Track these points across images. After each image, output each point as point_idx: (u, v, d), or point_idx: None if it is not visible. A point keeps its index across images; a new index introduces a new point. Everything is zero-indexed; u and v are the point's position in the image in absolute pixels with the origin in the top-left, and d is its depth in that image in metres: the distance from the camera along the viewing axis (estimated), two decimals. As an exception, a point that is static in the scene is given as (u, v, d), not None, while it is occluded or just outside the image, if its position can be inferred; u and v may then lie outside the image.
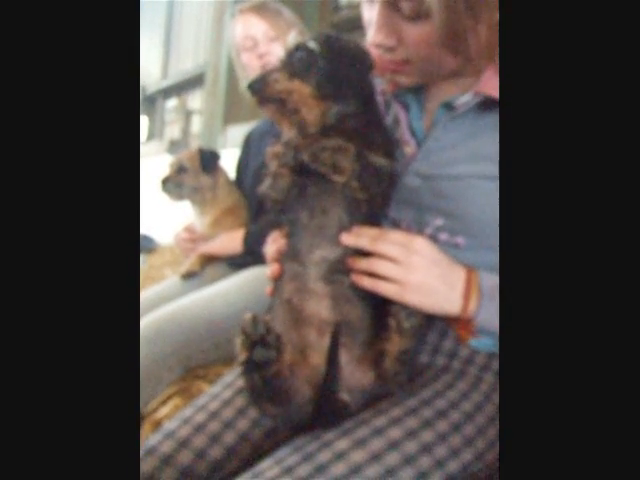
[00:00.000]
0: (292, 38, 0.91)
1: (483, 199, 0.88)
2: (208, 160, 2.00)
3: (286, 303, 0.87)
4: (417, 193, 0.94)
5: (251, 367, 0.81)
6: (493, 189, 0.87)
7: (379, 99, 1.02)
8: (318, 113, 0.87)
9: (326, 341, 0.85)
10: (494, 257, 0.78)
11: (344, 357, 0.85)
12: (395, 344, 0.85)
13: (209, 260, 1.91)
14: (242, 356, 0.80)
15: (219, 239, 1.88)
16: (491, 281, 0.85)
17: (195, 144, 4.94)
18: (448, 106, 0.93)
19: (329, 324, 0.85)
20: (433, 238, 0.92)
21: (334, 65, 0.87)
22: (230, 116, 3.95)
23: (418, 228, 0.94)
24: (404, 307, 0.85)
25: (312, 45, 0.87)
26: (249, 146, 2.05)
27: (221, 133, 4.01)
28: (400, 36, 0.89)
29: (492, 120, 0.89)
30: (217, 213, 1.97)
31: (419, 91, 1.00)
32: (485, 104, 0.90)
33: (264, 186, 0.89)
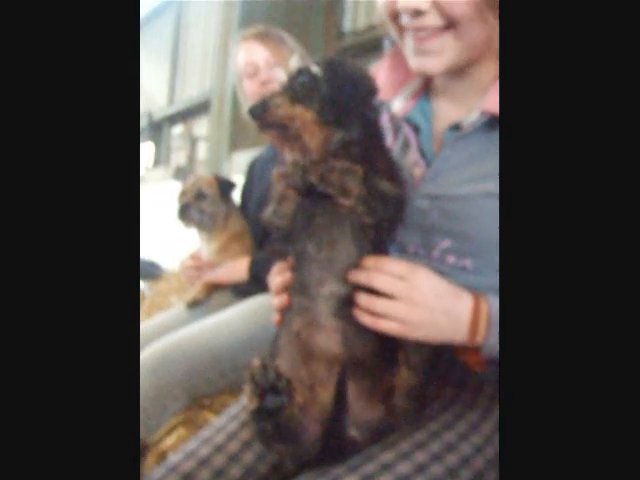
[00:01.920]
0: (294, 62, 0.90)
1: (490, 219, 0.85)
2: (226, 188, 2.00)
3: (295, 337, 0.85)
4: (425, 215, 0.92)
5: (263, 415, 0.79)
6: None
7: (387, 125, 1.01)
8: (321, 139, 0.85)
9: (335, 377, 0.83)
10: None
11: (353, 393, 0.83)
12: (404, 379, 0.83)
13: (214, 288, 1.90)
14: (252, 404, 0.78)
15: (224, 267, 1.87)
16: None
17: (201, 170, 4.96)
18: (456, 127, 0.92)
19: (339, 360, 0.83)
20: (441, 261, 0.91)
21: (337, 90, 0.85)
22: (236, 142, 3.96)
23: (425, 251, 0.93)
24: (414, 342, 0.84)
25: (314, 70, 0.86)
26: (253, 173, 2.05)
27: (227, 159, 4.02)
28: None
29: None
30: (224, 240, 1.95)
31: (428, 114, 0.99)
32: (491, 123, 0.89)
33: (267, 213, 0.88)
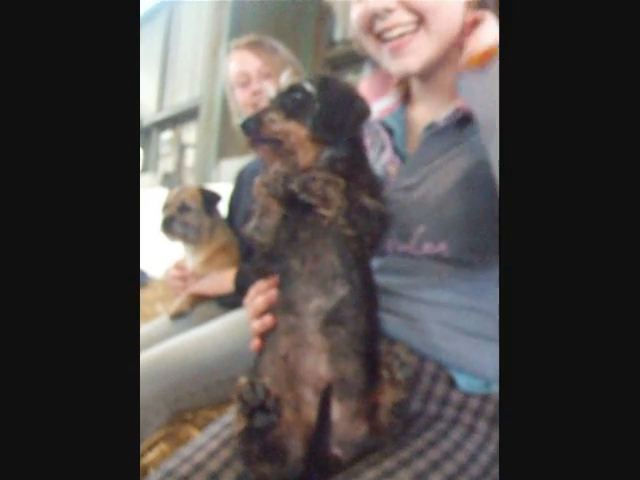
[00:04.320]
0: (286, 77, 0.90)
1: (460, 201, 0.90)
2: (211, 201, 1.98)
3: (281, 360, 0.84)
4: (400, 206, 0.94)
5: (251, 435, 0.78)
6: (471, 194, 0.90)
7: (366, 139, 1.01)
8: (312, 155, 0.85)
9: (319, 397, 0.82)
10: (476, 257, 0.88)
11: (338, 411, 0.83)
12: (389, 396, 0.83)
13: (199, 300, 1.88)
14: (240, 424, 0.77)
15: (210, 278, 1.85)
16: None
17: (189, 178, 4.94)
18: (432, 126, 0.97)
19: (325, 381, 0.82)
20: (418, 250, 0.94)
21: (330, 109, 0.85)
22: (224, 150, 3.96)
23: (402, 243, 0.95)
24: (397, 358, 0.83)
25: (308, 87, 0.86)
26: (241, 183, 2.04)
27: (214, 167, 4.02)
28: None
29: (469, 132, 0.93)
30: (210, 252, 1.94)
31: (401, 120, 1.04)
32: (463, 120, 0.94)
33: (249, 227, 0.87)
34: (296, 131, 0.84)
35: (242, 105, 1.88)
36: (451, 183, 0.92)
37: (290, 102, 0.85)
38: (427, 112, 1.02)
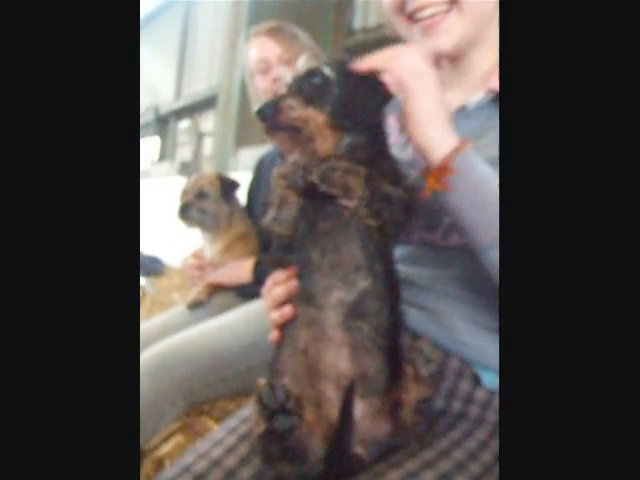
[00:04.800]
0: (303, 61, 0.87)
1: (491, 187, 0.82)
2: (229, 188, 1.96)
3: (301, 354, 0.81)
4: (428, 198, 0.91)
5: (271, 438, 0.76)
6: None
7: (393, 123, 0.99)
8: (332, 143, 0.82)
9: (341, 393, 0.79)
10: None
11: (360, 409, 0.80)
12: (412, 393, 0.80)
13: (217, 289, 1.86)
14: (260, 427, 0.75)
15: (228, 268, 1.83)
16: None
17: (207, 166, 4.93)
18: (462, 109, 0.96)
19: (347, 377, 0.79)
20: (445, 241, 0.92)
21: (350, 94, 0.82)
22: (242, 139, 3.94)
23: (429, 234, 0.94)
24: (422, 353, 0.81)
25: (327, 71, 0.83)
26: (260, 172, 2.01)
27: (233, 156, 4.00)
28: None
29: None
30: (229, 240, 1.92)
31: None
32: (494, 100, 0.93)
33: (267, 219, 0.84)
34: (315, 117, 0.81)
35: (262, 92, 1.84)
36: (480, 166, 0.86)
37: (308, 87, 0.82)
38: (455, 96, 0.99)
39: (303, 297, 0.83)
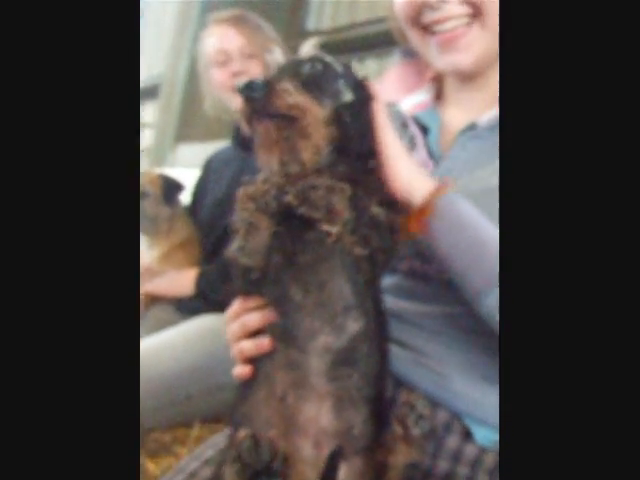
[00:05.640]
0: (278, 55, 0.76)
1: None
2: (172, 189, 1.84)
3: (278, 401, 0.69)
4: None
5: None
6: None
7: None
8: (322, 145, 0.71)
9: (323, 454, 0.69)
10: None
11: (342, 471, 0.70)
12: (401, 455, 0.71)
13: (154, 300, 1.71)
14: None
15: (167, 277, 1.68)
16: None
17: (143, 160, 4.73)
18: (472, 127, 0.90)
19: (327, 435, 0.69)
20: (439, 272, 0.85)
21: (356, 92, 0.73)
22: (183, 133, 3.80)
23: (421, 261, 0.87)
24: (413, 409, 0.73)
25: (335, 65, 0.73)
26: (209, 173, 1.88)
27: (171, 150, 3.86)
28: None
29: None
30: (169, 247, 1.80)
31: (437, 118, 0.96)
32: None
33: (233, 249, 0.70)
34: (314, 109, 0.69)
35: (218, 87, 1.72)
36: (492, 191, 0.79)
37: (308, 73, 0.71)
38: (462, 113, 0.94)
39: (282, 335, 0.71)
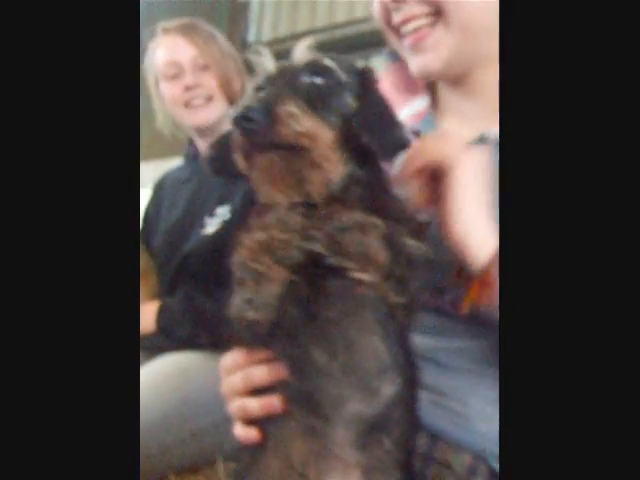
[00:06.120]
0: (302, 50, 0.64)
1: None
2: None
3: (295, 473, 0.58)
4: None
5: None
6: None
7: None
8: (337, 173, 0.60)
9: None
10: None
11: None
12: None
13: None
14: None
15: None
16: None
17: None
18: (481, 139, 0.83)
19: None
20: (453, 307, 0.78)
21: (365, 104, 0.62)
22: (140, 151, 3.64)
23: (434, 297, 0.81)
24: (449, 468, 0.70)
25: (337, 71, 0.61)
26: (161, 196, 1.70)
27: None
28: None
29: None
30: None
31: (435, 126, 0.91)
32: None
33: (237, 304, 0.58)
34: (323, 134, 0.59)
35: (170, 102, 1.57)
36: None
37: (309, 85, 0.60)
38: (461, 124, 0.88)
39: (298, 399, 0.59)
